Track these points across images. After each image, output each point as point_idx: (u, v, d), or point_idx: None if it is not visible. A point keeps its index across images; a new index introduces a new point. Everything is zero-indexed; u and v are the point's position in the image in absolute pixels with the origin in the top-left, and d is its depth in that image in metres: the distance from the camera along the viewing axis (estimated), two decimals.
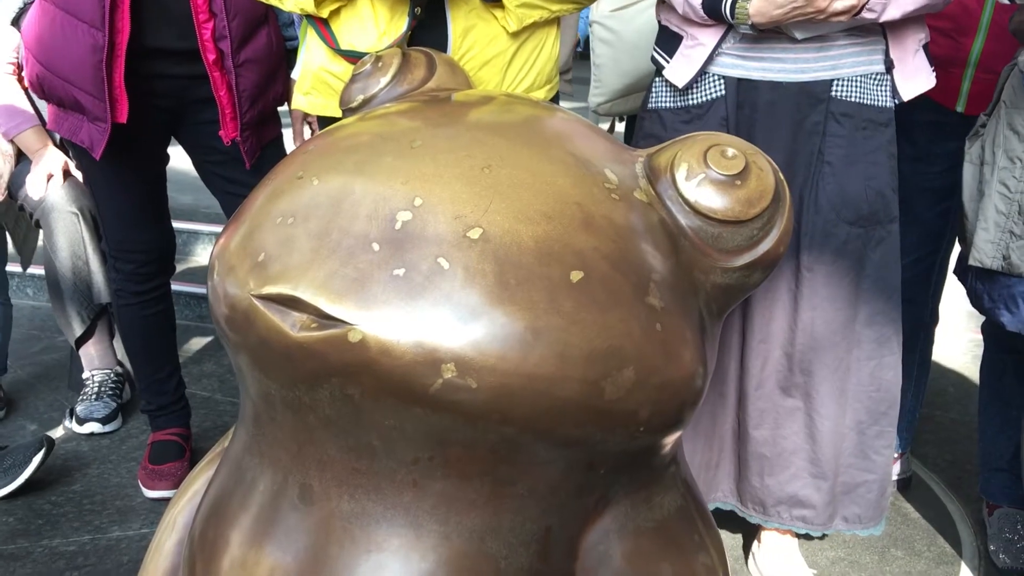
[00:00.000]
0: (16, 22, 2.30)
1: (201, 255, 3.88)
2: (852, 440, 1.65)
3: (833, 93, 1.52)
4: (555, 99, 1.56)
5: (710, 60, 1.52)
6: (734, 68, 1.52)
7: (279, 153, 2.03)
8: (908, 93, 1.58)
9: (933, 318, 2.09)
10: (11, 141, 2.41)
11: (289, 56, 2.02)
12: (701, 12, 1.47)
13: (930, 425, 2.48)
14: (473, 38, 1.40)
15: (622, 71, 2.16)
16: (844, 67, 1.52)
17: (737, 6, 1.43)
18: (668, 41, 1.57)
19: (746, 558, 1.85)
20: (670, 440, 0.94)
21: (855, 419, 1.64)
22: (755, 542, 1.82)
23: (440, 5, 1.40)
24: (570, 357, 0.79)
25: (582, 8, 1.50)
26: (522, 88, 1.45)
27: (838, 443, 1.64)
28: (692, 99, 1.56)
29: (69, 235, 2.39)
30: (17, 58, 2.34)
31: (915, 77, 1.58)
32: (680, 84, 1.54)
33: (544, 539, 0.90)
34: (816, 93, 1.52)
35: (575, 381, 0.80)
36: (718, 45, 1.50)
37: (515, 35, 1.41)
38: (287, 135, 2.07)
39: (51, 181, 2.38)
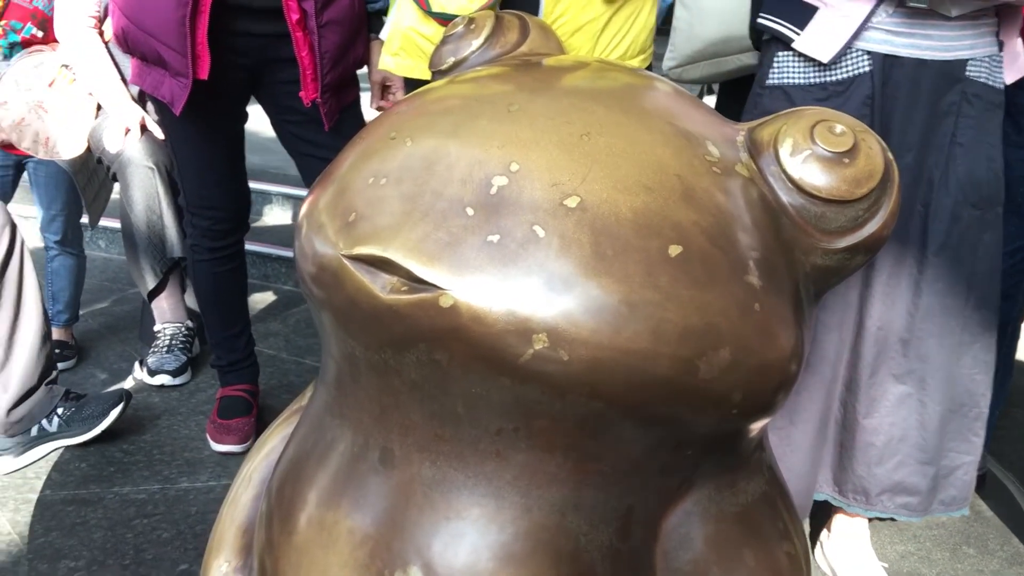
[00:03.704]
0: None
1: (268, 215, 3.92)
2: (954, 423, 1.62)
3: (967, 73, 1.46)
4: (647, 69, 1.53)
5: (856, 34, 1.44)
6: (882, 43, 1.45)
7: (357, 116, 2.02)
8: (1010, 77, 1.54)
9: (1021, 313, 2.02)
10: (90, 94, 2.45)
11: (369, 19, 2.01)
12: None
13: (1006, 422, 2.40)
14: (566, 3, 1.37)
15: (693, 35, 2.11)
16: (979, 47, 1.47)
17: None
18: (795, 10, 1.49)
19: (813, 547, 1.82)
20: (760, 424, 0.92)
21: (959, 402, 1.61)
22: (824, 531, 1.79)
23: None
24: (665, 333, 0.77)
25: None
26: (614, 57, 1.42)
27: (944, 428, 1.60)
28: (832, 75, 1.48)
29: (144, 189, 2.43)
30: (99, 12, 2.36)
31: (1016, 61, 1.55)
32: (825, 59, 1.46)
33: (626, 518, 0.89)
34: (954, 73, 1.46)
35: (668, 358, 0.77)
36: (868, 18, 1.43)
37: (609, 1, 1.37)
38: (365, 99, 2.06)
39: (128, 135, 2.40)
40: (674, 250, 0.79)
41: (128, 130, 2.39)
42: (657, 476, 0.88)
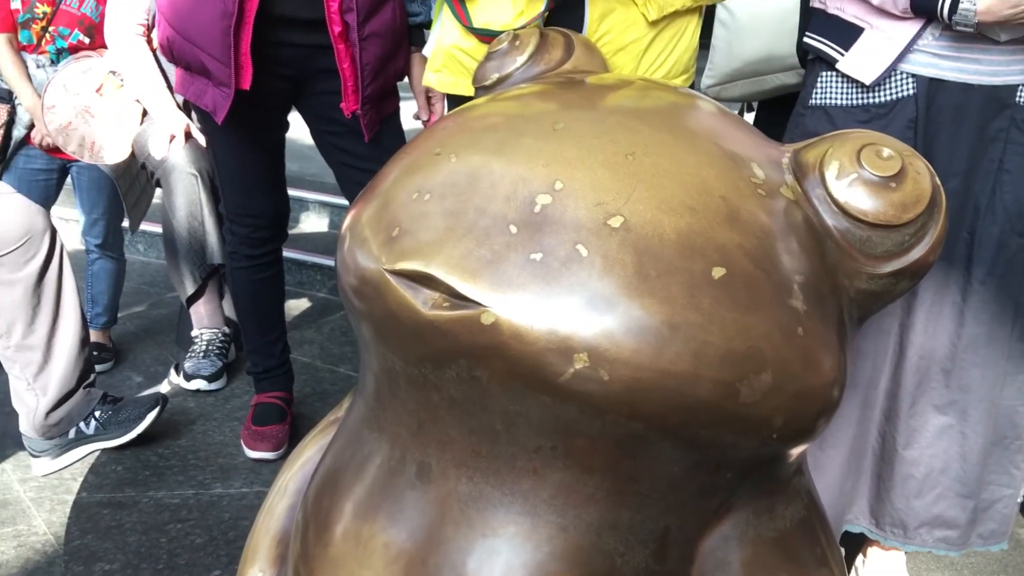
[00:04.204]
0: None
1: (304, 222, 3.95)
2: (996, 455, 1.59)
3: (1018, 99, 1.44)
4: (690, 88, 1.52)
5: (900, 57, 1.43)
6: (927, 67, 1.43)
7: (397, 128, 2.04)
8: None
9: None
10: (137, 101, 2.48)
11: (410, 32, 2.02)
12: (906, 6, 1.39)
13: None
14: (610, 23, 1.37)
15: (732, 54, 2.10)
16: None
17: (961, 4, 1.33)
18: (839, 31, 1.48)
19: (848, 573, 1.80)
20: (799, 449, 0.91)
21: (1000, 434, 1.58)
22: (859, 556, 1.77)
23: None
24: (706, 356, 0.77)
25: None
26: (657, 77, 1.41)
27: (985, 460, 1.58)
28: (875, 97, 1.47)
29: (187, 196, 2.45)
30: (147, 20, 2.40)
31: None
32: (868, 81, 1.45)
33: (662, 539, 0.88)
34: (1003, 98, 1.44)
35: (709, 381, 0.77)
36: (913, 41, 1.42)
37: (654, 23, 1.37)
38: (404, 110, 2.07)
39: (173, 142, 2.43)
40: (717, 272, 0.78)
41: (173, 137, 2.43)
42: (695, 498, 0.88)
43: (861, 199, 0.87)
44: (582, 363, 0.76)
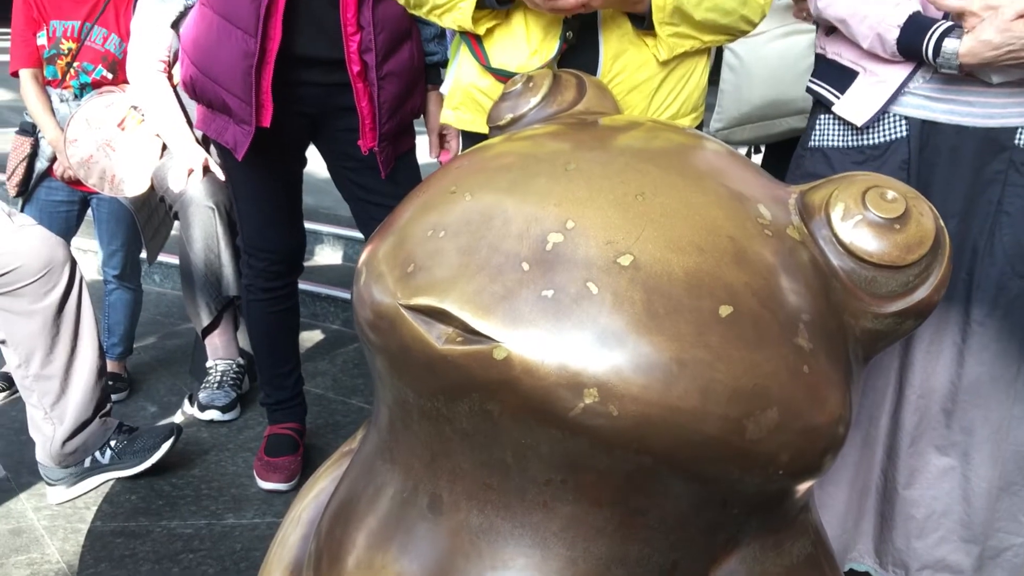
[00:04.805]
0: (176, 24, 2.40)
1: (319, 254, 3.98)
2: (1005, 502, 1.58)
3: (1017, 141, 1.46)
4: (699, 128, 1.55)
5: (892, 99, 1.46)
6: (919, 109, 1.46)
7: (412, 164, 2.07)
8: None
9: None
10: (157, 135, 2.53)
11: (427, 71, 2.07)
12: (894, 49, 1.41)
13: None
14: (623, 63, 1.40)
15: (741, 98, 2.13)
16: None
17: (944, 47, 1.36)
18: (836, 75, 1.52)
19: None
20: (806, 486, 0.92)
21: (1008, 480, 1.57)
22: None
23: (592, 29, 1.40)
24: (714, 393, 0.78)
25: (735, 39, 1.48)
26: (667, 115, 1.44)
27: (992, 505, 1.57)
28: (869, 139, 1.50)
29: (204, 228, 2.49)
30: (168, 57, 2.45)
31: None
32: (860, 122, 1.48)
33: (670, 574, 0.89)
34: (1001, 140, 1.46)
35: (717, 417, 0.79)
36: (904, 84, 1.45)
37: (664, 63, 1.41)
38: (420, 147, 2.11)
39: (191, 176, 2.47)
40: (725, 310, 0.80)
41: (191, 171, 2.47)
42: (703, 533, 0.89)
43: (866, 240, 0.89)
44: (592, 398, 0.77)
